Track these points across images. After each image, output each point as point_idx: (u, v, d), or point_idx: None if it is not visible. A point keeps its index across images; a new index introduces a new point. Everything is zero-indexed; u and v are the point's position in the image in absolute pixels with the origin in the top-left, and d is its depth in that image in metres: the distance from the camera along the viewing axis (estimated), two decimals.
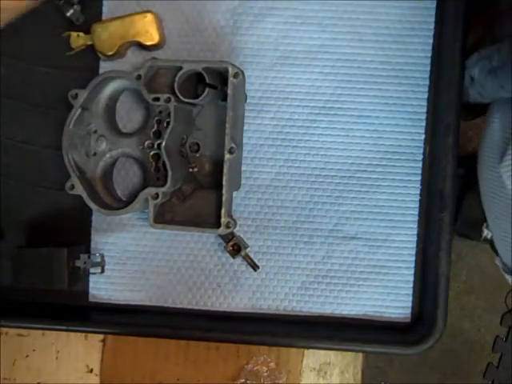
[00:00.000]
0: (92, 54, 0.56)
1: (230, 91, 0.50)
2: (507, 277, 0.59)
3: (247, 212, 0.56)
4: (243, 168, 0.56)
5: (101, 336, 0.60)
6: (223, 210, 0.51)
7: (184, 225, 0.52)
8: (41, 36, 0.57)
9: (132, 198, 0.52)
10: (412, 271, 0.56)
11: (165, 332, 0.56)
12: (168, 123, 0.52)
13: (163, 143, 0.51)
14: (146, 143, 0.54)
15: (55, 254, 0.53)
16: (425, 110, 0.55)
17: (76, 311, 0.58)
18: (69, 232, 0.57)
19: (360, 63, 0.55)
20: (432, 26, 0.55)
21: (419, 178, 0.56)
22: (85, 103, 0.53)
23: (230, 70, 0.50)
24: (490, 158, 0.51)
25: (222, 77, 0.52)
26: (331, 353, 0.59)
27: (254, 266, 0.55)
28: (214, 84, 0.52)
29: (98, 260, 0.57)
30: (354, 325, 0.56)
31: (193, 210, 0.54)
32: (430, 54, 0.55)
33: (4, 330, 0.60)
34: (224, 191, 0.51)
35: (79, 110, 0.52)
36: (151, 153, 0.54)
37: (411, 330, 0.56)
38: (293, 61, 0.56)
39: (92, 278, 0.57)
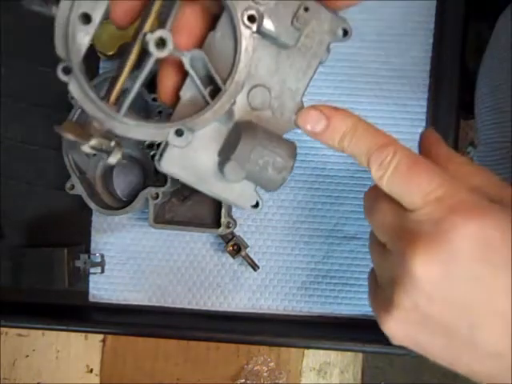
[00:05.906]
0: (92, 54, 0.56)
1: None
2: None
3: (247, 212, 0.56)
4: None
5: (101, 336, 0.60)
6: (223, 210, 0.51)
7: (184, 225, 0.52)
8: (41, 36, 0.57)
9: (132, 198, 0.52)
10: None
11: (165, 332, 0.56)
12: None
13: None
14: (146, 143, 0.54)
15: (55, 254, 0.53)
16: (425, 109, 0.55)
17: (76, 311, 0.58)
18: (69, 232, 0.57)
19: (360, 63, 0.55)
20: (432, 26, 0.55)
21: None
22: None
23: None
24: None
25: None
26: (331, 353, 0.59)
27: (254, 266, 0.55)
28: None
29: (98, 260, 0.57)
30: (354, 325, 0.56)
31: (193, 210, 0.54)
32: (429, 54, 0.55)
33: (4, 329, 0.60)
34: None
35: (79, 109, 0.52)
36: (151, 153, 0.54)
37: None
38: None
39: (92, 278, 0.57)
